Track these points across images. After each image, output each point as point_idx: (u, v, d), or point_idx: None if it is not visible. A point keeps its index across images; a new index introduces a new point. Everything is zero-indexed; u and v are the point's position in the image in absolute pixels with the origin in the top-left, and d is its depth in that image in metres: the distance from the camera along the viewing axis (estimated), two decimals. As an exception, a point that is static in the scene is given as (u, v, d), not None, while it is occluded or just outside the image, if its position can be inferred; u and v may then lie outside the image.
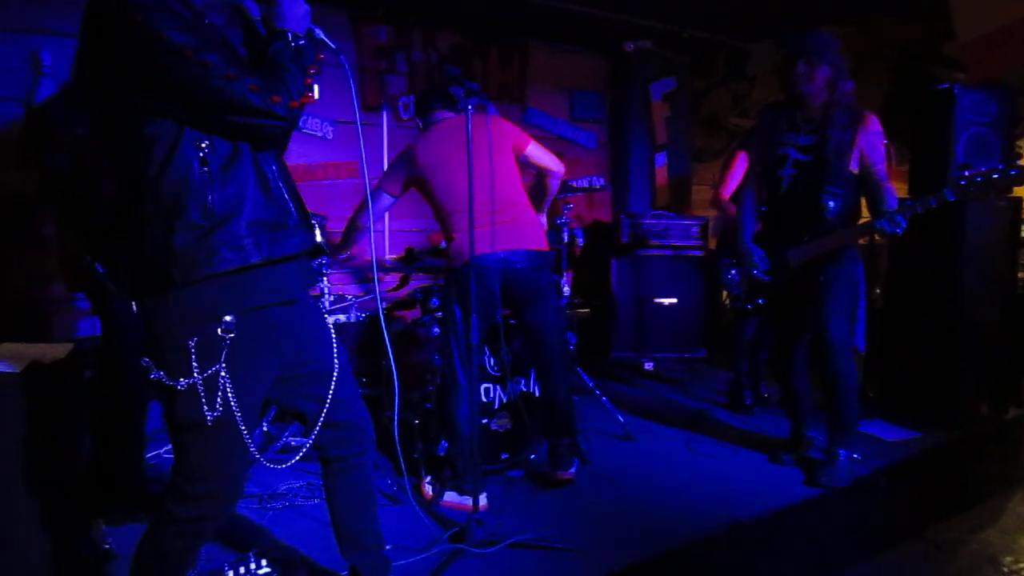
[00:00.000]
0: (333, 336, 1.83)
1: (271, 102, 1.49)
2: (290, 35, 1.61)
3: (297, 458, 1.84)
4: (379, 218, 2.95)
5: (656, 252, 4.79)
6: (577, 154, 5.46)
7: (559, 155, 3.16)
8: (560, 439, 3.01)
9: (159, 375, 1.54)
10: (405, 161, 2.93)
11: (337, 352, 1.82)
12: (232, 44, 1.59)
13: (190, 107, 1.47)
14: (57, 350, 2.15)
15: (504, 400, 3.13)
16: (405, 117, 4.69)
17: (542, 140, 5.12)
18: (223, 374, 1.53)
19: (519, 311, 3.03)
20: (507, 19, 4.84)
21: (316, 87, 1.62)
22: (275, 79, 1.52)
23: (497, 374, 3.12)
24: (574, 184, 3.81)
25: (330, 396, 1.79)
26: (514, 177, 2.92)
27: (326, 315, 2.12)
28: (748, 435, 3.63)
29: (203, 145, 1.49)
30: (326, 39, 1.72)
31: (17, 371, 1.89)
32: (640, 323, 4.77)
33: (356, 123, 4.45)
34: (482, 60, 5.04)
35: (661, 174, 5.65)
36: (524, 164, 3.01)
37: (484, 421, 3.07)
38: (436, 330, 3.42)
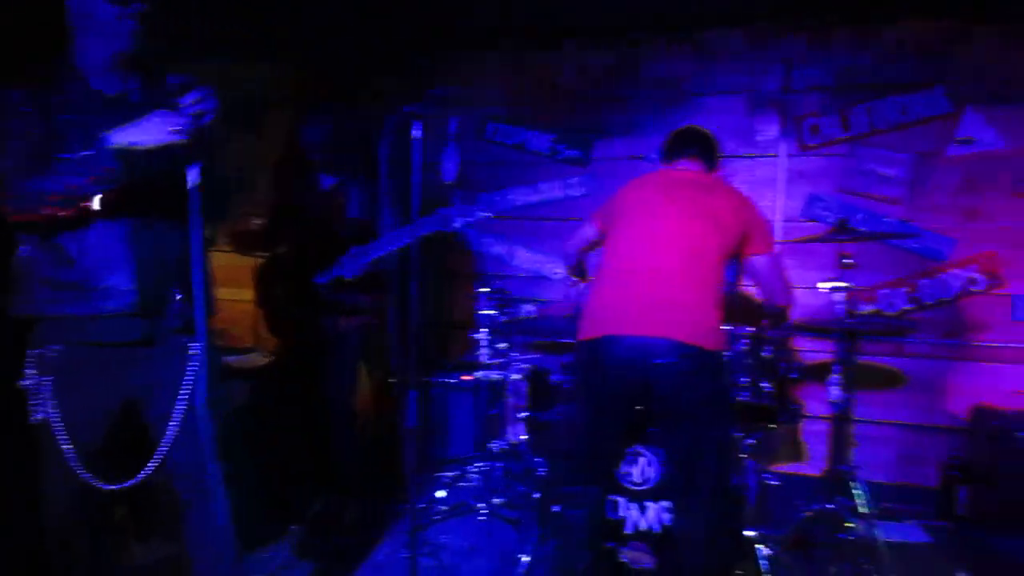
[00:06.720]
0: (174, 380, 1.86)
1: None
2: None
3: (130, 483, 1.88)
4: (577, 251, 2.60)
5: None
6: None
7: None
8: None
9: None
10: (609, 201, 2.47)
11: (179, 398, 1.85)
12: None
13: None
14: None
15: (641, 527, 2.21)
16: (812, 143, 3.61)
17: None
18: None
19: (660, 422, 2.17)
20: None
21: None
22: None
23: (635, 487, 2.23)
24: None
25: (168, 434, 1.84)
26: (707, 257, 2.14)
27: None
28: None
29: None
30: None
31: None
32: None
33: (741, 157, 3.70)
34: (965, 46, 3.41)
35: None
36: (749, 271, 2.31)
37: (610, 545, 2.23)
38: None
